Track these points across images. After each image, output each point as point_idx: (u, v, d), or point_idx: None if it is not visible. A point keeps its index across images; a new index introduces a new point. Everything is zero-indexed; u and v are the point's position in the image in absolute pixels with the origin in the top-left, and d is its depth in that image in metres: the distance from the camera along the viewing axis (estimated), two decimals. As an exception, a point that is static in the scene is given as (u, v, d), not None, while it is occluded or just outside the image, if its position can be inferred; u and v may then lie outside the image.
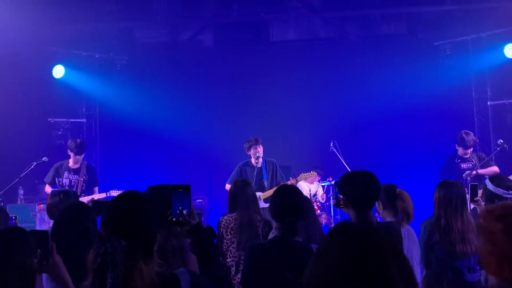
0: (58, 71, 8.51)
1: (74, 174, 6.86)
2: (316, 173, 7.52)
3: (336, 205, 2.93)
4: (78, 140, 6.98)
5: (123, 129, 9.16)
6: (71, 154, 6.82)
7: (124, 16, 9.11)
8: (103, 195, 7.20)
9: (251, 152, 6.92)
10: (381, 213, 3.63)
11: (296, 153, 8.90)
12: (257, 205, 4.54)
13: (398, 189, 3.60)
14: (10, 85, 7.68)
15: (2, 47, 7.44)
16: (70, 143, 6.90)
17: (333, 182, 7.28)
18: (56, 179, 6.79)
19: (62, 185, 6.74)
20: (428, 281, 3.89)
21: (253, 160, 6.92)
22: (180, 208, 2.09)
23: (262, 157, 6.88)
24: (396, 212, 3.56)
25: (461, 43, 8.55)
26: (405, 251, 3.23)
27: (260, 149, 6.90)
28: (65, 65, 8.58)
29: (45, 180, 6.89)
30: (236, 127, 9.25)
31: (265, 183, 6.74)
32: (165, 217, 1.96)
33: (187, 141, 9.24)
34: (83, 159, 7.02)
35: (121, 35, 9.49)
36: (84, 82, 8.91)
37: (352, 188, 2.75)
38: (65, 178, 6.81)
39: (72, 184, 6.81)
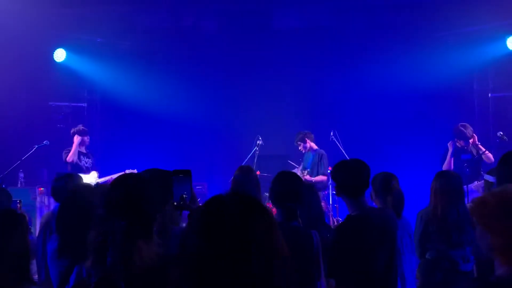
0: (59, 55, 8.50)
1: (87, 158, 7.26)
2: None
3: (337, 194, 2.98)
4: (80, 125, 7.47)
5: (124, 114, 9.18)
6: (85, 138, 7.22)
7: (126, 0, 9.03)
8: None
9: None
10: (373, 199, 3.65)
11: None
12: (260, 191, 4.58)
13: (393, 183, 3.59)
14: (11, 69, 7.66)
15: (2, 30, 7.41)
16: (78, 128, 7.29)
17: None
18: (78, 162, 7.10)
19: (84, 168, 7.08)
20: (423, 270, 3.94)
21: None
22: (184, 193, 2.17)
23: (316, 148, 7.47)
24: (386, 203, 3.55)
25: (463, 34, 8.50)
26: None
27: (301, 146, 7.53)
28: (66, 49, 8.56)
29: (69, 160, 7.04)
30: (237, 114, 9.25)
31: (305, 171, 7.21)
32: (164, 199, 2.00)
33: (188, 126, 9.26)
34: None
35: (123, 19, 9.40)
36: (85, 66, 8.90)
37: (342, 176, 2.82)
38: (83, 161, 7.18)
39: (88, 166, 7.17)
